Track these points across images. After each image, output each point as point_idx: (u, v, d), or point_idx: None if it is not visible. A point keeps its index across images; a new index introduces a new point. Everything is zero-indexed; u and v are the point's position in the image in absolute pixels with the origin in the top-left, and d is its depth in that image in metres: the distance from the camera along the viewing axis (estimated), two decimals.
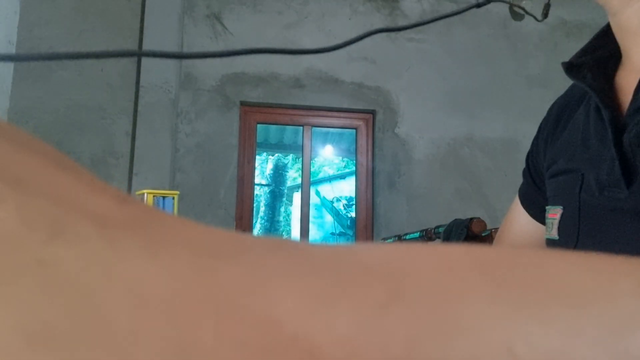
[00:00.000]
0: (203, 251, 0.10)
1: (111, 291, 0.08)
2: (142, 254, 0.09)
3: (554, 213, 0.52)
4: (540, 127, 0.60)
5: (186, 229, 0.11)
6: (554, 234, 0.52)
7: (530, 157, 0.62)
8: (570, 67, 0.51)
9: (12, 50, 1.96)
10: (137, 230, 0.10)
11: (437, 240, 1.66)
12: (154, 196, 1.36)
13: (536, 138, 0.61)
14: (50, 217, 0.09)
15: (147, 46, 2.53)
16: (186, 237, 0.10)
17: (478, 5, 0.49)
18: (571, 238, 0.49)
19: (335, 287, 0.10)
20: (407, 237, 1.93)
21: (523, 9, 0.54)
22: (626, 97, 0.46)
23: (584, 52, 0.52)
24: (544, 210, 0.55)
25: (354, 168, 3.38)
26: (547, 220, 0.54)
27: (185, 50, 2.84)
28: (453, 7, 0.54)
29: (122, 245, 0.09)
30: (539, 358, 0.10)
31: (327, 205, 8.46)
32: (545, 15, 0.53)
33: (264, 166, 9.38)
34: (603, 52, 0.51)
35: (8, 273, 0.08)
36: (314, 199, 7.48)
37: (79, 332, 0.08)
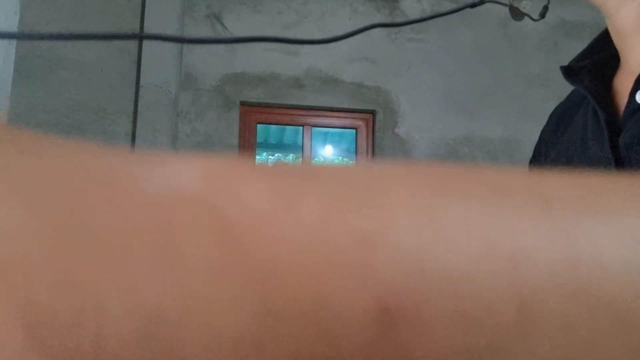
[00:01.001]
0: (122, 153, 0.11)
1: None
2: (23, 155, 0.10)
3: None
4: (541, 133, 0.61)
5: (81, 144, 0.11)
6: None
7: (533, 163, 0.62)
8: (569, 71, 0.51)
9: (12, 50, 1.97)
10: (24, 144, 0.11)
11: None
12: None
13: (538, 144, 0.61)
14: None
15: (147, 46, 2.53)
16: (77, 144, 0.11)
17: (472, 5, 0.50)
18: None
19: (247, 169, 0.11)
20: None
21: (517, 9, 0.54)
22: (623, 99, 0.46)
23: (583, 55, 0.52)
24: None
25: None
26: None
27: (186, 50, 2.84)
28: (453, 7, 0.55)
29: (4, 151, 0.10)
30: (459, 222, 0.10)
31: None
32: (542, 15, 0.53)
33: None
34: (602, 55, 0.51)
35: None
36: None
37: None
